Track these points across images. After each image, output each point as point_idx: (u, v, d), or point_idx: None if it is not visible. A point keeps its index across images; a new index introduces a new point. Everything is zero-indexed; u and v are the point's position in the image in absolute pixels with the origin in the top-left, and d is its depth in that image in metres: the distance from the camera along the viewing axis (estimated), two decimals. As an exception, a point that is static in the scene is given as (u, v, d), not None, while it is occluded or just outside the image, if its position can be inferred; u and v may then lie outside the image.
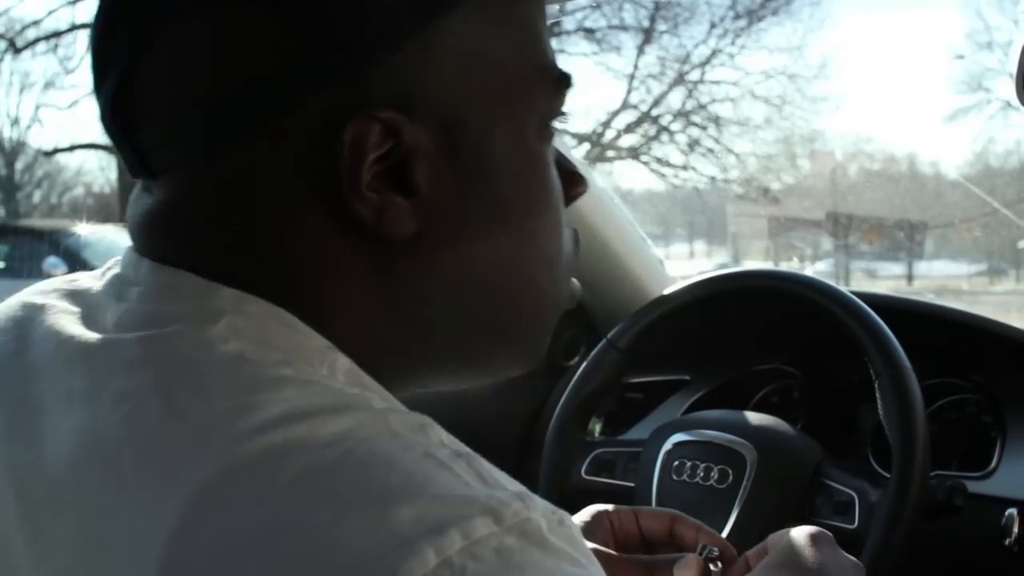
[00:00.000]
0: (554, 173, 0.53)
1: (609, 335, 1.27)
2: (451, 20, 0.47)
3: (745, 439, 1.10)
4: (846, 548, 0.70)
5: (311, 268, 0.47)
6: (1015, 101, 0.65)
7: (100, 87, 0.48)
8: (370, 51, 0.45)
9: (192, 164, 0.47)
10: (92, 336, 0.47)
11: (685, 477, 1.11)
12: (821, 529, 0.70)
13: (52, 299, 0.52)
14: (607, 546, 0.75)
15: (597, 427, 1.31)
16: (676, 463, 1.12)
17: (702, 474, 1.10)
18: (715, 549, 0.72)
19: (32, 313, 0.51)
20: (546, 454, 1.22)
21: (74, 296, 0.52)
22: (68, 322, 0.49)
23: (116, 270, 0.51)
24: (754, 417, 1.17)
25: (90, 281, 0.53)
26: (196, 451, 0.40)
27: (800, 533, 0.70)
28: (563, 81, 0.52)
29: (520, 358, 0.55)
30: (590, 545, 0.73)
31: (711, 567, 0.71)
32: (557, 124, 0.53)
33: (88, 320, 0.49)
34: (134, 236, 0.51)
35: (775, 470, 1.08)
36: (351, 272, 0.48)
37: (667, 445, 1.14)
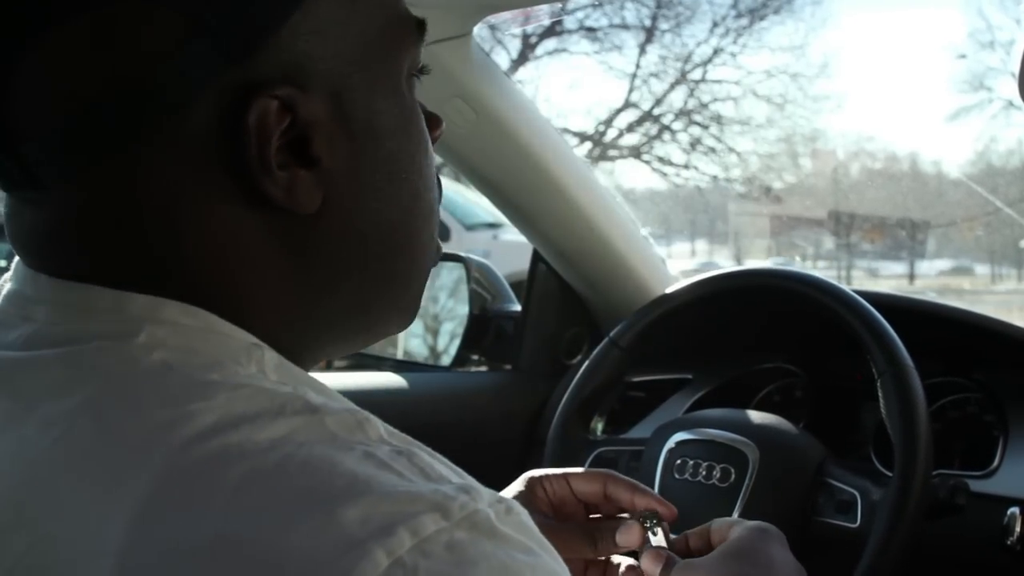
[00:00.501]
0: (424, 122, 0.54)
1: (611, 334, 1.27)
2: None
3: (747, 438, 1.10)
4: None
5: (227, 257, 0.46)
6: (1017, 100, 0.65)
7: None
8: (259, 29, 0.45)
9: (87, 172, 0.45)
10: (2, 355, 0.45)
11: (687, 476, 1.11)
12: (770, 525, 0.71)
13: None
14: (546, 513, 0.75)
15: (599, 426, 1.31)
16: (678, 462, 1.12)
17: (704, 473, 1.10)
18: (655, 519, 0.73)
19: None
20: (548, 452, 1.23)
21: None
22: None
23: (11, 285, 0.49)
24: (756, 416, 1.17)
25: None
26: (133, 467, 0.39)
27: (752, 527, 0.70)
28: (421, 29, 0.52)
29: (406, 309, 0.56)
30: None
31: (652, 532, 0.72)
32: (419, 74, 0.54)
33: None
34: (24, 251, 0.48)
35: (777, 469, 1.08)
36: (265, 253, 0.47)
37: (669, 444, 1.14)
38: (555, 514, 0.76)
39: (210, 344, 0.45)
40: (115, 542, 0.38)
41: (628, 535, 0.72)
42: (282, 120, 0.45)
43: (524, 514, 0.42)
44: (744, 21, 11.26)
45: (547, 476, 0.77)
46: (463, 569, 0.37)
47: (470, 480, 0.42)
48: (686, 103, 11.52)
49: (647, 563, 0.70)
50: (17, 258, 0.49)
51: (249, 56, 0.45)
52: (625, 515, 0.75)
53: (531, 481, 0.77)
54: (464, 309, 1.54)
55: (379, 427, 0.43)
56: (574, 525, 0.75)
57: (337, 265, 0.50)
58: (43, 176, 0.45)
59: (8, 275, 0.50)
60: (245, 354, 0.45)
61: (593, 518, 0.77)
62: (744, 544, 0.69)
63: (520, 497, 0.75)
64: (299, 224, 0.47)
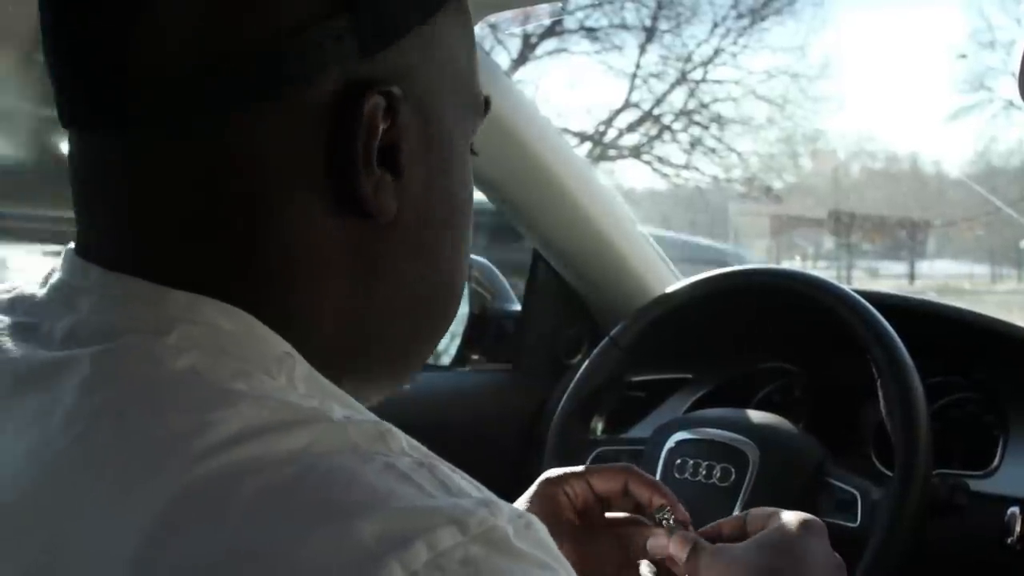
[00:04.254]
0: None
1: (611, 333, 1.27)
2: (443, 15, 0.48)
3: (747, 437, 1.10)
4: (849, 546, 0.70)
5: (302, 251, 0.46)
6: (1018, 100, 0.65)
7: (82, 50, 0.44)
8: (398, 24, 0.45)
9: (181, 145, 0.44)
10: (42, 353, 0.45)
11: (687, 475, 1.11)
12: (814, 517, 0.70)
13: None
14: (571, 520, 0.75)
15: (599, 425, 1.31)
16: (678, 461, 1.12)
17: (704, 472, 1.10)
18: (671, 515, 0.73)
19: None
20: (548, 452, 1.23)
21: (15, 307, 0.49)
22: (14, 336, 0.46)
23: (59, 275, 0.48)
24: (756, 415, 1.17)
25: (32, 288, 0.50)
26: (151, 473, 0.39)
27: (795, 519, 0.70)
28: (487, 107, 0.54)
29: (427, 356, 0.55)
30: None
31: (668, 524, 0.73)
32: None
33: (35, 333, 0.46)
34: (85, 236, 0.48)
35: (777, 468, 1.08)
36: (337, 254, 0.47)
37: (669, 443, 1.14)
38: (580, 519, 0.76)
39: (242, 350, 0.44)
40: (129, 550, 0.37)
41: (659, 543, 0.72)
42: (384, 120, 0.45)
43: (543, 530, 0.41)
44: (745, 21, 11.24)
45: (567, 478, 0.76)
46: None
47: (490, 494, 0.41)
48: (686, 103, 11.51)
49: (674, 547, 0.70)
50: (66, 248, 0.49)
51: (380, 48, 0.45)
52: (640, 516, 0.75)
53: (550, 486, 0.76)
54: (464, 308, 1.54)
55: (401, 439, 0.42)
56: (604, 534, 0.74)
57: (397, 284, 0.50)
58: (136, 125, 0.44)
59: (56, 265, 0.49)
60: (276, 363, 0.44)
61: (610, 517, 0.77)
62: (783, 535, 0.68)
63: (542, 503, 0.75)
64: (371, 232, 0.47)
